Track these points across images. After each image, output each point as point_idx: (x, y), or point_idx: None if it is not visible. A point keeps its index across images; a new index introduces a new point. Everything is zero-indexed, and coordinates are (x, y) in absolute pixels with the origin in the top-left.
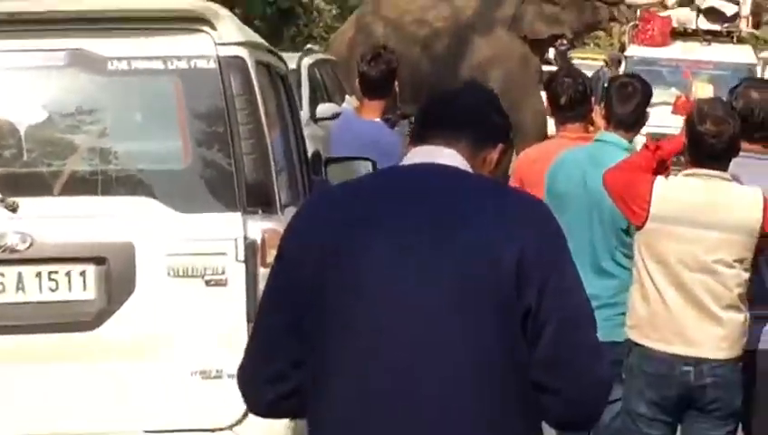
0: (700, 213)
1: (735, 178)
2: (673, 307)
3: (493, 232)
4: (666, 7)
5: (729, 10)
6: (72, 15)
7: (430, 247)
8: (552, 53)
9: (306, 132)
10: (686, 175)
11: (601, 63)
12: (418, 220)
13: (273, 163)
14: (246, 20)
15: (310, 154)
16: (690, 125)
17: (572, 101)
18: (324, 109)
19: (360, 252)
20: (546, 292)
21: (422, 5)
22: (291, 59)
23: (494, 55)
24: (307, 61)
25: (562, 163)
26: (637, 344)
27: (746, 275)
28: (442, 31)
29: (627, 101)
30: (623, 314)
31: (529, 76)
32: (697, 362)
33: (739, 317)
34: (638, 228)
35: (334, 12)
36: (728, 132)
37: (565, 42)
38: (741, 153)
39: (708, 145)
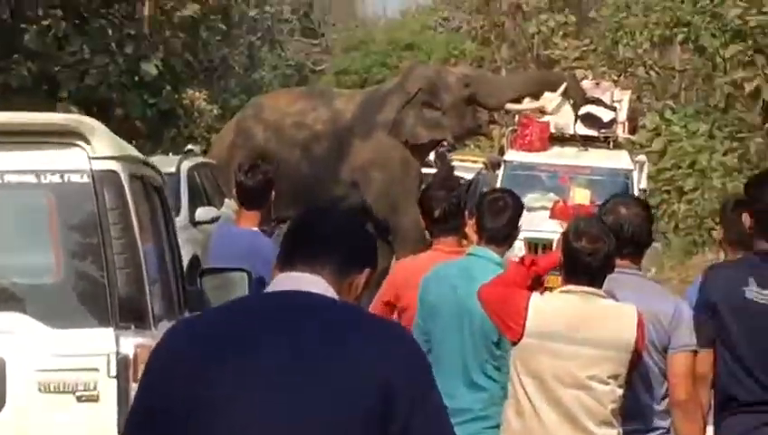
0: (575, 329)
1: (609, 294)
2: (548, 423)
3: (358, 362)
4: (544, 113)
5: (606, 116)
6: None
7: (298, 379)
8: (432, 155)
9: (185, 236)
10: (562, 291)
11: (481, 166)
12: (288, 350)
13: (146, 277)
14: (127, 121)
15: (189, 258)
16: (566, 242)
17: (446, 214)
18: (203, 212)
19: (231, 378)
20: (412, 418)
21: (301, 109)
22: (171, 162)
23: (375, 158)
24: (187, 164)
25: (435, 276)
26: None
27: (620, 392)
28: (321, 134)
29: (498, 215)
30: (493, 427)
31: (410, 180)
32: None
33: (612, 433)
34: (514, 344)
35: (216, 112)
36: (604, 250)
37: (445, 144)
38: None
39: (584, 262)
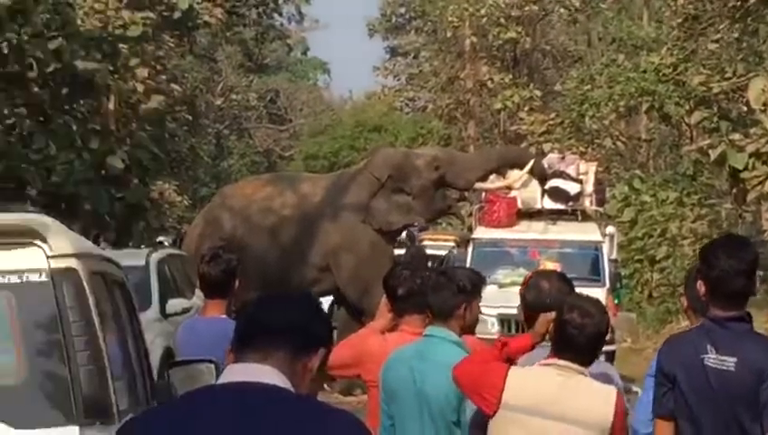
0: (551, 404)
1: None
2: None
3: None
4: (511, 189)
5: (572, 189)
6: None
7: None
8: (403, 234)
9: (157, 329)
10: (543, 365)
11: (453, 244)
12: None
13: (109, 373)
14: (95, 216)
15: (161, 351)
16: (559, 313)
17: (410, 292)
18: (174, 304)
19: None
20: None
21: (267, 194)
22: (140, 255)
23: (344, 241)
24: (156, 256)
25: (392, 360)
26: None
27: None
28: (289, 218)
29: (438, 291)
30: None
31: (381, 261)
32: None
33: None
34: (490, 417)
35: (186, 202)
36: (591, 327)
37: (416, 224)
38: None
39: (569, 335)
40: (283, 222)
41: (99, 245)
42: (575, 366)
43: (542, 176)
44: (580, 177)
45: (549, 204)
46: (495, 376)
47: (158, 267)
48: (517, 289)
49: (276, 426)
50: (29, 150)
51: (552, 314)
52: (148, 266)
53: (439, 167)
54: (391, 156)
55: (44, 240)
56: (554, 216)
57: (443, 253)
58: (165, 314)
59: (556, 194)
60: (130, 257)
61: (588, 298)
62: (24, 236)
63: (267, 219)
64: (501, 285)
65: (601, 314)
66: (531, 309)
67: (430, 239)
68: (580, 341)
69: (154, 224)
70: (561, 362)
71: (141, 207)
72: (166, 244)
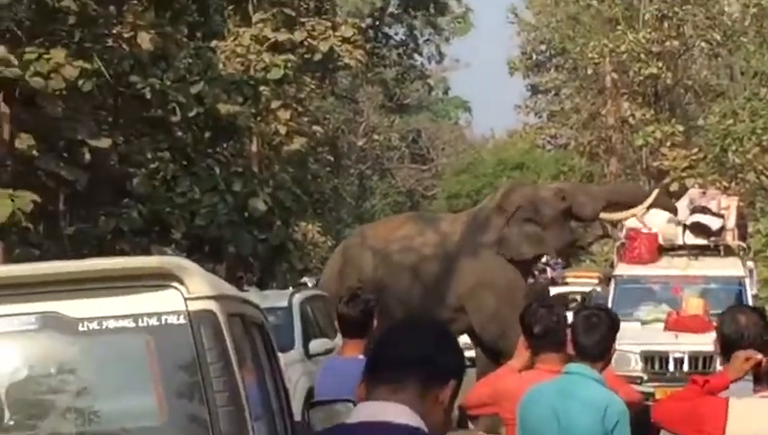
0: None
1: None
2: None
3: None
4: (641, 224)
5: (714, 224)
6: (44, 279)
7: None
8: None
9: (300, 370)
10: (764, 396)
11: (596, 281)
12: None
13: (248, 414)
14: (239, 258)
15: (305, 391)
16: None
17: (547, 330)
18: (317, 345)
19: None
20: None
21: (407, 233)
22: (283, 296)
23: (480, 282)
24: (299, 298)
25: (531, 398)
26: None
27: None
28: (429, 258)
29: (591, 331)
30: None
31: (517, 300)
32: None
33: None
34: None
35: (329, 243)
36: None
37: (560, 261)
38: None
39: None
40: (422, 261)
41: (242, 286)
42: None
43: (668, 209)
44: (722, 211)
45: (690, 239)
46: (714, 409)
47: (301, 308)
48: (660, 326)
49: None
50: (173, 194)
51: (754, 355)
52: (291, 307)
53: (566, 198)
54: (519, 188)
55: (182, 282)
56: (696, 251)
57: (587, 289)
58: (308, 355)
59: (698, 229)
60: (274, 299)
61: None
62: (162, 279)
63: (407, 259)
64: (643, 322)
65: None
66: (728, 342)
67: (574, 277)
68: None
69: (297, 265)
70: None
71: (284, 248)
72: (309, 285)
